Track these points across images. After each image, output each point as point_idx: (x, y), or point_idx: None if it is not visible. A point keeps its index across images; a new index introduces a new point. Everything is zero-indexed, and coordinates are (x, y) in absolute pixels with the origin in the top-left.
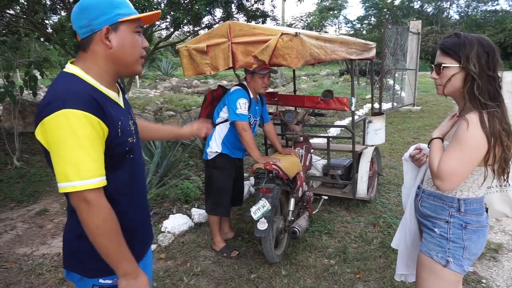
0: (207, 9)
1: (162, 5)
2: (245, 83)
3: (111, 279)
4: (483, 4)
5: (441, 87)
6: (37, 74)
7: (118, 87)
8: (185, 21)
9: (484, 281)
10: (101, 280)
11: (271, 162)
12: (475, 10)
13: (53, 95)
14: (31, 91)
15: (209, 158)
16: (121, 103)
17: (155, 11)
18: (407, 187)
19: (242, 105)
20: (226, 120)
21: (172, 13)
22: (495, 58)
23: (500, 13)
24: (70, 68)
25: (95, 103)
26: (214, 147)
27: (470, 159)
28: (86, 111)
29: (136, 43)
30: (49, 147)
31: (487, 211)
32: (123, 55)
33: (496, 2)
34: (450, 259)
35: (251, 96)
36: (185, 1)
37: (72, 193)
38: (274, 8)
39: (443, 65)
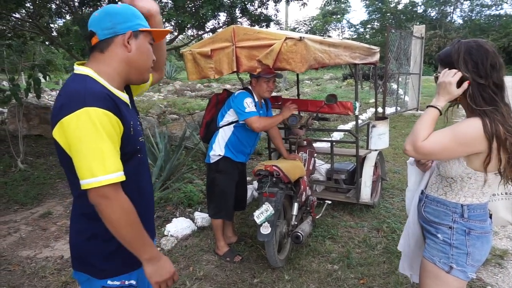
0: (214, 13)
1: (166, 8)
2: (250, 87)
3: (118, 280)
4: (486, 9)
5: None
6: (41, 77)
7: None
8: (189, 25)
9: (489, 287)
10: (109, 282)
11: (272, 164)
12: (479, 14)
13: (69, 95)
14: (35, 94)
15: (212, 161)
16: (130, 105)
17: (167, 29)
18: (411, 190)
19: (249, 104)
20: (230, 123)
21: (174, 17)
22: (486, 65)
23: (504, 18)
24: (81, 69)
25: (112, 102)
26: (217, 150)
27: (454, 151)
28: (106, 109)
29: (150, 53)
30: (71, 145)
31: (491, 217)
32: (138, 60)
33: (500, 7)
34: (453, 265)
35: (256, 100)
36: (190, 5)
37: (93, 188)
38: (277, 12)
39: (433, 74)
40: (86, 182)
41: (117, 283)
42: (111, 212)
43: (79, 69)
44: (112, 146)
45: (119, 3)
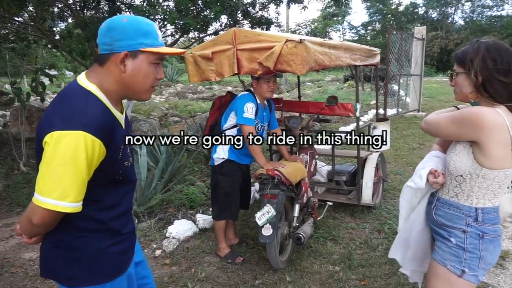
0: (220, 15)
1: (168, 11)
2: (252, 89)
3: None
4: (488, 10)
5: (456, 93)
6: (44, 80)
7: (122, 106)
8: (192, 27)
9: None
10: None
11: (274, 168)
12: (480, 15)
13: (70, 111)
14: (38, 97)
15: (216, 164)
16: (123, 124)
17: (180, 50)
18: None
19: (249, 109)
20: (234, 126)
21: (178, 19)
22: (505, 63)
23: (506, 19)
24: (86, 84)
25: (108, 130)
26: (221, 153)
27: (448, 127)
28: (99, 138)
29: (150, 74)
30: (49, 157)
31: None
32: (133, 82)
33: (501, 8)
34: (465, 269)
35: (258, 101)
36: (191, 8)
37: (38, 206)
38: (278, 15)
39: (449, 71)
40: (39, 198)
41: None
42: (34, 226)
43: (84, 81)
44: (83, 177)
45: (126, 16)
